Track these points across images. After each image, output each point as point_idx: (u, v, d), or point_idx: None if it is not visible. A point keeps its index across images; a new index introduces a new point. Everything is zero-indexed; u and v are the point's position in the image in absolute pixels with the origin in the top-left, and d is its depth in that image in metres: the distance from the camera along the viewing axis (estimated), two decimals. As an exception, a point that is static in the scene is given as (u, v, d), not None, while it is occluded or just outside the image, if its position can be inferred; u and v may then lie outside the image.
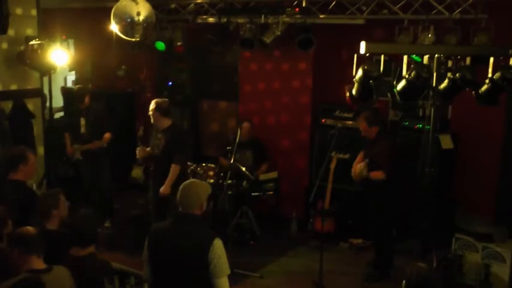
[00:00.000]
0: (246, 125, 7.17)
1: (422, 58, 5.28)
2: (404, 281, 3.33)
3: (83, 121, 7.10)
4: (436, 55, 4.88)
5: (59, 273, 3.52)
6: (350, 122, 7.14)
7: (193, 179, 3.83)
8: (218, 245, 3.50)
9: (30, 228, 3.55)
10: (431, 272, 3.37)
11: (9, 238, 3.55)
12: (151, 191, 6.29)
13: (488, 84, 5.00)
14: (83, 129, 7.09)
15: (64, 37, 7.04)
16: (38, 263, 3.44)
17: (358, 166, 5.84)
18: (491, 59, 4.91)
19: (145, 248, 3.67)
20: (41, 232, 3.60)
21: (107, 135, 7.07)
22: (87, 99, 7.13)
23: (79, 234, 3.77)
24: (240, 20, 7.09)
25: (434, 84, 4.92)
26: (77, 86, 7.40)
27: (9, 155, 4.91)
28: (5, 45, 6.66)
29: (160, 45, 7.65)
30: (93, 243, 3.82)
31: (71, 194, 7.26)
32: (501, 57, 4.92)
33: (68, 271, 3.57)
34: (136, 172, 7.92)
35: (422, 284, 3.27)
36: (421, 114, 6.82)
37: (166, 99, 6.29)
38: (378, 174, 5.66)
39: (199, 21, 7.53)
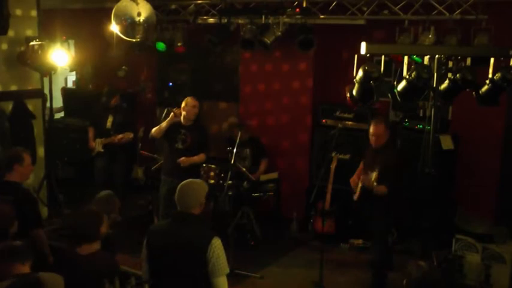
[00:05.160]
0: (245, 130, 7.13)
1: (422, 59, 5.27)
2: (405, 280, 3.32)
3: (110, 118, 7.30)
4: (437, 56, 4.87)
5: (49, 277, 3.43)
6: (350, 123, 7.15)
7: (191, 179, 3.81)
8: (216, 244, 3.51)
9: (16, 242, 3.60)
10: (432, 270, 3.35)
11: None
12: (166, 184, 6.29)
13: (488, 84, 4.99)
14: (108, 125, 7.30)
15: (64, 38, 7.04)
16: (23, 269, 3.44)
17: (373, 175, 5.45)
18: (492, 60, 4.90)
19: (144, 247, 3.68)
20: (28, 242, 3.64)
21: (129, 135, 7.27)
22: (116, 98, 7.40)
23: (81, 232, 3.78)
24: (241, 21, 7.10)
25: (434, 85, 4.90)
26: (107, 86, 7.74)
27: (6, 155, 4.92)
28: (5, 46, 6.67)
29: (161, 46, 7.72)
30: (96, 240, 3.81)
31: (72, 195, 7.38)
32: (501, 58, 4.91)
33: (61, 278, 3.52)
34: (137, 172, 7.92)
35: (424, 282, 3.25)
36: (421, 114, 6.83)
37: None
38: (381, 189, 5.39)
39: (199, 21, 7.54)
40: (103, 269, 3.74)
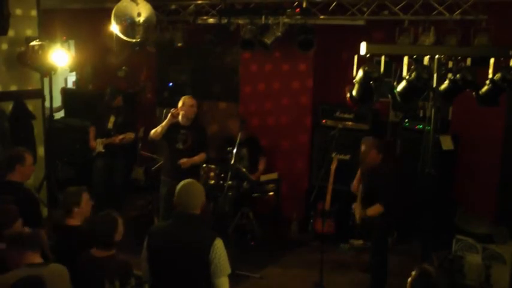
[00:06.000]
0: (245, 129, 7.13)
1: (422, 59, 5.28)
2: (409, 280, 3.29)
3: (112, 118, 7.23)
4: (437, 56, 4.88)
5: (57, 269, 3.62)
6: (350, 123, 7.15)
7: (189, 179, 3.80)
8: (219, 245, 3.51)
9: (25, 229, 3.76)
10: (438, 274, 3.32)
11: (8, 239, 3.63)
12: (166, 185, 6.28)
13: (488, 85, 5.00)
14: (110, 125, 7.22)
15: (64, 38, 7.04)
16: (35, 258, 3.54)
17: (357, 211, 5.64)
18: (492, 60, 4.91)
19: (144, 248, 3.67)
20: (36, 232, 3.72)
21: (131, 135, 7.20)
22: (119, 99, 7.33)
23: (95, 236, 3.81)
24: (241, 21, 7.09)
25: (434, 85, 4.91)
26: (109, 86, 7.57)
27: (7, 155, 4.92)
28: (5, 46, 6.67)
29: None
30: (110, 245, 3.81)
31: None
32: (501, 58, 4.91)
33: (67, 270, 3.64)
34: (137, 173, 7.92)
35: (428, 286, 3.22)
36: (421, 115, 6.83)
37: None
38: (375, 210, 5.45)
39: (199, 22, 7.53)
40: (109, 273, 3.72)
